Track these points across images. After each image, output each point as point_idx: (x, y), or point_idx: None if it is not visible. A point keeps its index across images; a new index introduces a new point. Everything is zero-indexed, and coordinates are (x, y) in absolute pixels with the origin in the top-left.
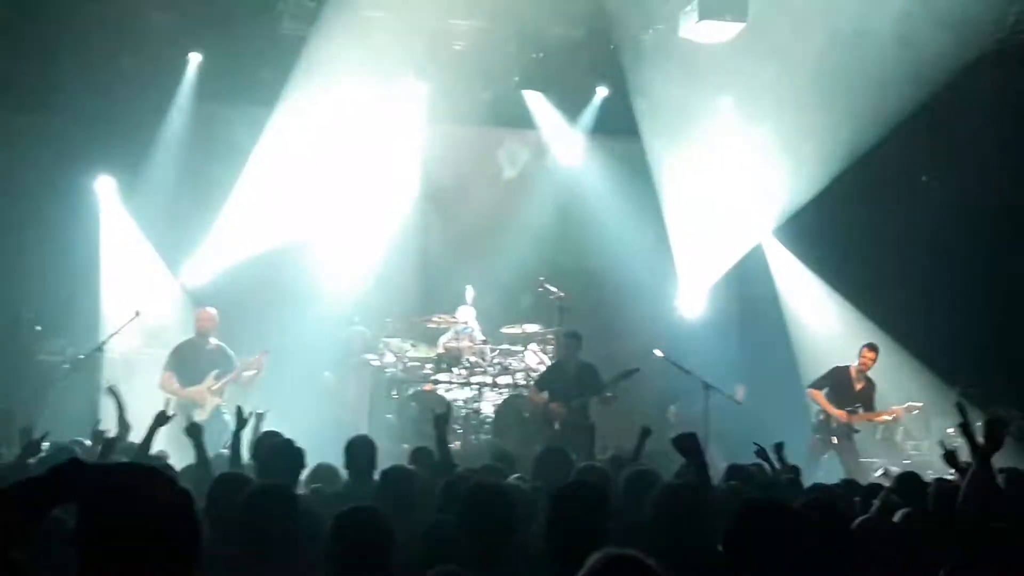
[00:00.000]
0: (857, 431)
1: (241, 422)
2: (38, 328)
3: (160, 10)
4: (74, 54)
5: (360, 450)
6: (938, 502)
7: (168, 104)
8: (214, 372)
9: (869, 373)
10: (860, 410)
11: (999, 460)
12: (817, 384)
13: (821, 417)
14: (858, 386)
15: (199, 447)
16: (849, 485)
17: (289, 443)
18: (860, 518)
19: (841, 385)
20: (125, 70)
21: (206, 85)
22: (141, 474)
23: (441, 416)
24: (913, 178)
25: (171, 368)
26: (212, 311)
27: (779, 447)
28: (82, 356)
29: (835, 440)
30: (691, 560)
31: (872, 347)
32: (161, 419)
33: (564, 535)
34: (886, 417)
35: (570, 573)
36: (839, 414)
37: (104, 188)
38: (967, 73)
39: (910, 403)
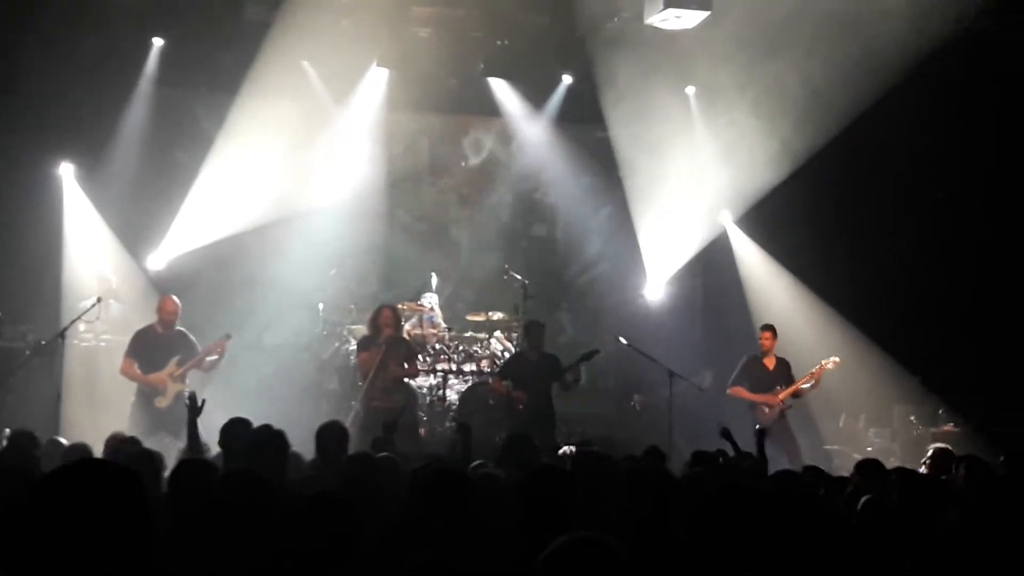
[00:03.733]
0: (789, 407)
1: (195, 409)
2: None
3: None
4: (35, 39)
5: (331, 436)
6: (900, 490)
7: (130, 90)
8: (176, 358)
9: (779, 352)
10: (784, 387)
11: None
12: (735, 381)
13: (751, 412)
14: (771, 367)
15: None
16: (813, 473)
17: (275, 432)
18: (825, 505)
19: (756, 374)
20: (87, 55)
21: (169, 71)
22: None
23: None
24: (877, 166)
25: (132, 355)
26: (175, 301)
27: (726, 432)
28: (44, 342)
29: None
30: (656, 546)
31: (767, 327)
32: (195, 410)
33: (531, 520)
34: (805, 385)
35: (536, 557)
36: (766, 398)
37: (66, 174)
38: (929, 60)
39: (824, 360)
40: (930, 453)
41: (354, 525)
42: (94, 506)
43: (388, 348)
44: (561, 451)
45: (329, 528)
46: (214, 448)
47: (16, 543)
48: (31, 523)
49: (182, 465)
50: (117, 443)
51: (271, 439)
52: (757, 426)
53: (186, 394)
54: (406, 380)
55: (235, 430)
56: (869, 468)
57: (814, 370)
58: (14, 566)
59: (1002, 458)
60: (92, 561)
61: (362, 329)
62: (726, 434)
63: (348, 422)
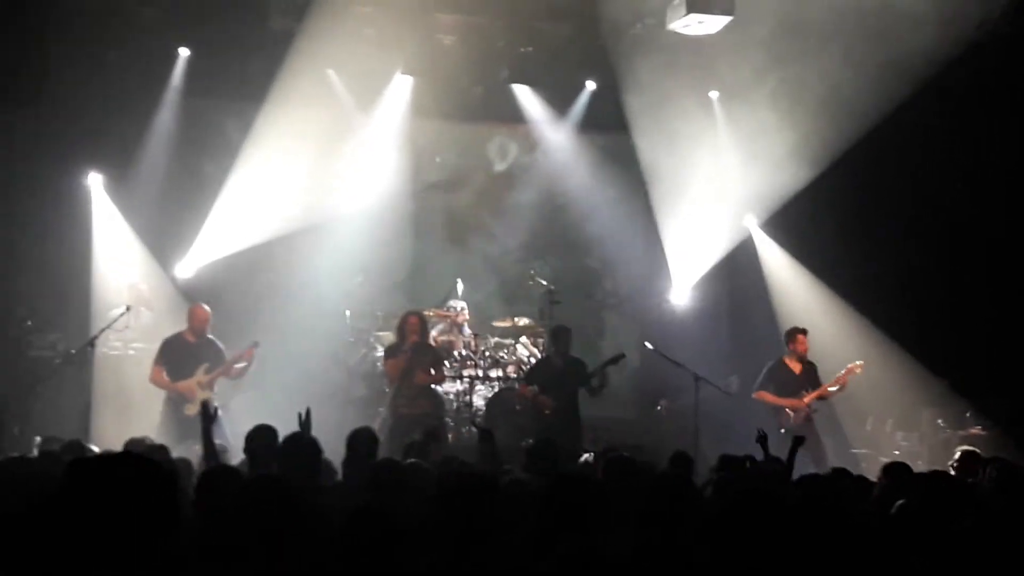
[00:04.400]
0: (815, 411)
1: (208, 417)
2: (29, 323)
3: (148, 5)
4: (62, 50)
5: (361, 442)
6: (925, 493)
7: (157, 100)
8: (204, 366)
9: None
10: (810, 391)
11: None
12: (761, 385)
13: (777, 416)
14: (797, 371)
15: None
16: (840, 475)
17: (308, 440)
18: (855, 509)
19: (782, 378)
20: (113, 66)
21: (195, 81)
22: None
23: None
24: (901, 170)
25: (161, 362)
26: (206, 309)
27: (763, 438)
28: (73, 351)
29: (793, 428)
30: (681, 550)
31: (803, 331)
32: (209, 418)
33: (552, 527)
34: (832, 388)
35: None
36: (792, 402)
37: (95, 184)
38: (953, 65)
39: (850, 365)
40: (957, 456)
41: (393, 540)
42: (127, 495)
43: (414, 355)
44: (582, 459)
45: (367, 543)
46: (241, 455)
47: (47, 532)
48: (65, 508)
49: (208, 473)
50: (144, 449)
51: (305, 447)
52: (783, 430)
53: (211, 406)
54: (433, 387)
55: (261, 437)
56: (897, 471)
57: (840, 374)
58: (44, 554)
59: None
60: (120, 551)
61: (389, 336)
62: (762, 440)
63: (376, 428)
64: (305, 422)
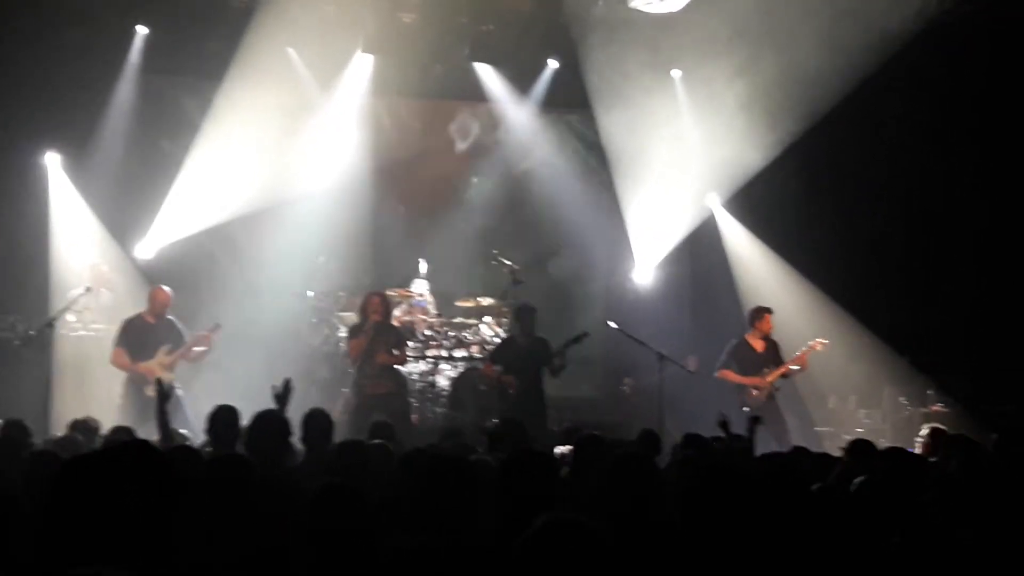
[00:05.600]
0: (777, 389)
1: (163, 396)
2: None
3: None
4: (16, 28)
5: (316, 424)
6: (887, 469)
7: (115, 78)
8: (165, 347)
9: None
10: (773, 369)
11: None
12: (724, 364)
13: (740, 394)
14: (760, 348)
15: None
16: (799, 453)
17: (277, 418)
18: (817, 485)
19: (745, 356)
20: (70, 43)
21: (153, 58)
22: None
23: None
24: (863, 150)
25: (121, 344)
26: (167, 291)
27: (724, 424)
28: (33, 332)
29: (756, 406)
30: (644, 528)
31: (769, 310)
32: (164, 397)
33: (514, 503)
34: (793, 367)
35: (537, 536)
36: (755, 381)
37: (52, 163)
38: (917, 42)
39: (811, 342)
40: (924, 432)
41: (364, 516)
42: (130, 485)
43: (376, 335)
44: (558, 452)
45: (339, 520)
46: (203, 436)
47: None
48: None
49: (167, 454)
50: (109, 433)
51: (274, 426)
52: (745, 409)
53: (165, 384)
54: (396, 367)
55: (223, 417)
56: (859, 448)
57: (801, 351)
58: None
59: (995, 436)
60: (123, 538)
61: (352, 316)
62: (723, 425)
63: (339, 408)
64: (283, 394)
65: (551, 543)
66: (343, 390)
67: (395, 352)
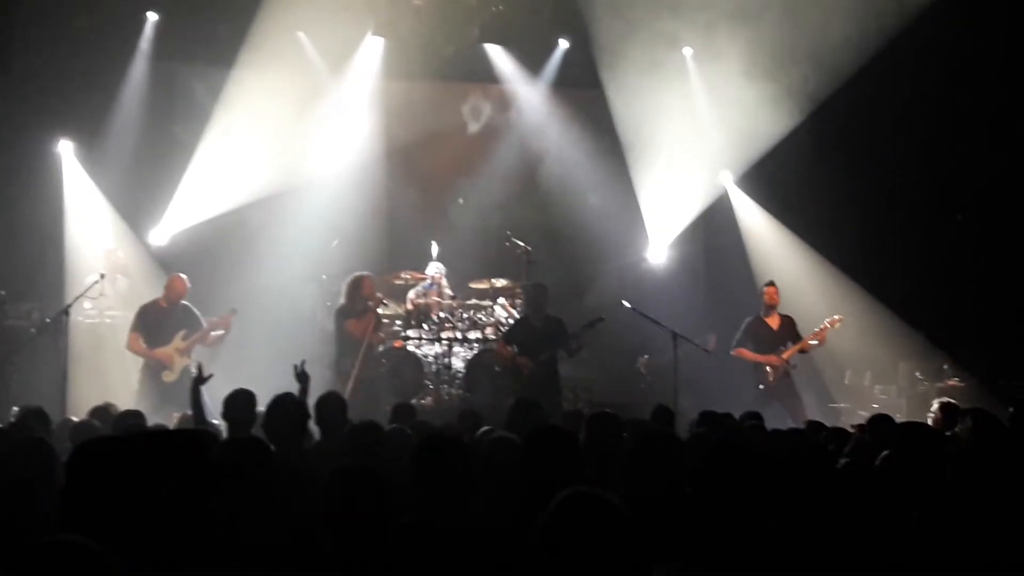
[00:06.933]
0: (793, 367)
1: (200, 379)
2: (2, 293)
3: None
4: (28, 16)
5: (330, 407)
6: (906, 444)
7: (126, 65)
8: (181, 332)
9: (780, 310)
10: (789, 346)
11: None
12: (739, 342)
13: (755, 372)
14: (775, 325)
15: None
16: (815, 428)
17: (295, 401)
18: (843, 460)
19: (760, 333)
20: (81, 31)
21: (164, 44)
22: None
23: None
24: (876, 124)
25: (137, 329)
26: (185, 280)
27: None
28: (48, 320)
29: (772, 386)
30: (660, 503)
31: (771, 283)
32: (200, 380)
33: (535, 481)
34: (812, 342)
35: (558, 509)
36: (770, 359)
37: (65, 151)
38: (928, 11)
39: (828, 319)
40: (935, 407)
41: (380, 496)
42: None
43: (377, 318)
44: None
45: (355, 500)
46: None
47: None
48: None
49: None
50: (114, 416)
51: (291, 408)
52: (760, 387)
53: (192, 368)
54: (410, 348)
55: (239, 402)
56: (879, 423)
57: (819, 329)
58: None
59: (1011, 409)
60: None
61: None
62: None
63: (348, 391)
64: (301, 373)
65: (574, 517)
66: (340, 371)
67: (381, 333)
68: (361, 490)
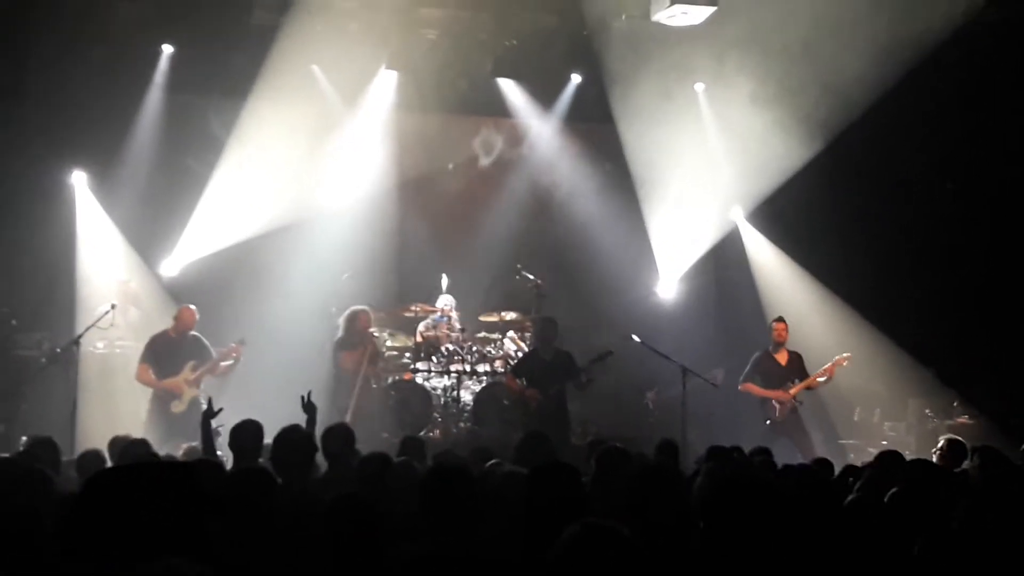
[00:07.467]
0: (800, 403)
1: (210, 412)
2: (14, 322)
3: (131, 1)
4: (44, 47)
5: (336, 438)
6: (914, 481)
7: (141, 97)
8: (190, 363)
9: (790, 345)
10: (797, 382)
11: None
12: (747, 377)
13: (762, 407)
14: (783, 361)
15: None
16: (822, 465)
17: (304, 434)
18: (851, 496)
19: (768, 369)
20: (97, 62)
21: (179, 77)
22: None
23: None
24: (889, 160)
25: (147, 360)
26: (193, 311)
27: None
28: (59, 350)
29: (780, 421)
30: (667, 536)
31: (779, 319)
32: (211, 413)
33: (541, 514)
34: (820, 379)
35: (570, 543)
36: (778, 394)
37: (78, 182)
38: (940, 52)
39: (837, 357)
40: (940, 444)
41: (374, 525)
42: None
43: (372, 353)
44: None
45: (351, 529)
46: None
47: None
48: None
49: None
50: (125, 446)
51: (299, 442)
52: (768, 422)
53: (202, 399)
54: (419, 381)
55: (246, 432)
56: (888, 460)
57: (827, 366)
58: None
59: (1023, 448)
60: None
61: (377, 332)
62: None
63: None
64: (308, 404)
65: (587, 548)
66: (341, 405)
67: (377, 366)
68: (354, 519)
